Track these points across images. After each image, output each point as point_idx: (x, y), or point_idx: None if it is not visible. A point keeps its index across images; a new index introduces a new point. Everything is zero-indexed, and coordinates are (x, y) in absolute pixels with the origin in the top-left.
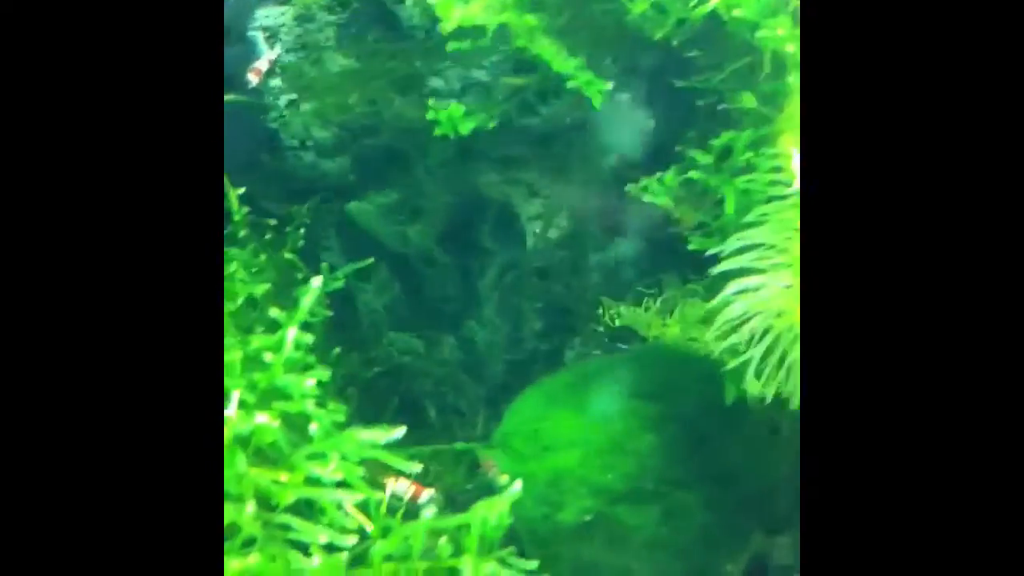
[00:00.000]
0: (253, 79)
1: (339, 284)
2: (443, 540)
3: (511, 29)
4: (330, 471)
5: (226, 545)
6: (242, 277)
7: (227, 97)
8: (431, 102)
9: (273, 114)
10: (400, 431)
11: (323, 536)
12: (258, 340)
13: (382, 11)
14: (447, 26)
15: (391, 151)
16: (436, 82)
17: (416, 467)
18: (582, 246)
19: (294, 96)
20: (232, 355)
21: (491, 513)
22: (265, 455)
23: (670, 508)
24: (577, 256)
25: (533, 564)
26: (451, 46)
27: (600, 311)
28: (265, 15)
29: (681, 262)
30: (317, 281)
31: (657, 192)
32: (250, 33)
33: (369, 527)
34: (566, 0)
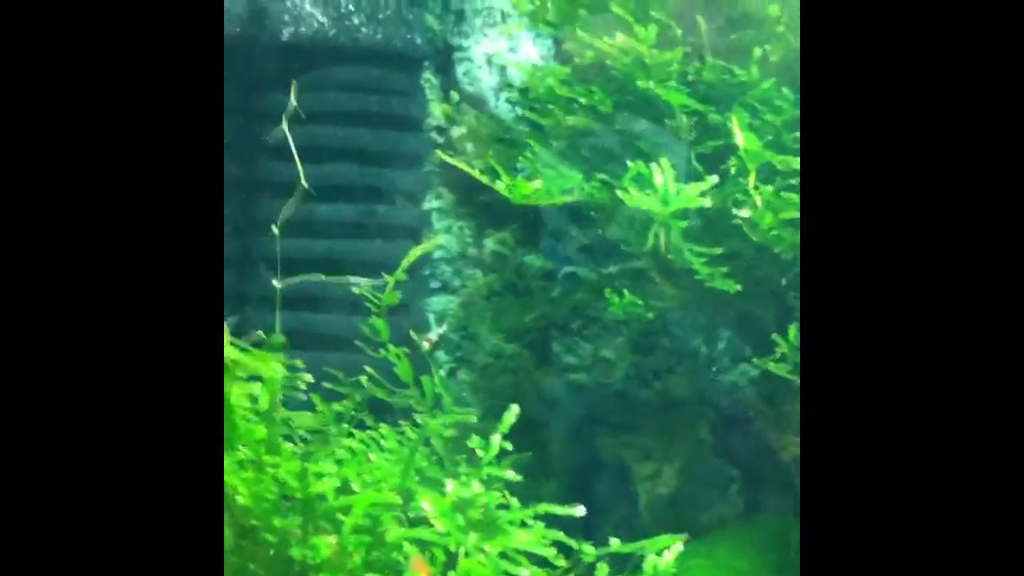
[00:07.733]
0: (425, 345)
1: None
2: None
3: None
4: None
5: None
6: None
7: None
8: None
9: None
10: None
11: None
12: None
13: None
14: None
15: (525, 418)
16: (569, 358)
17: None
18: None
19: (454, 365)
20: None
21: None
22: None
23: None
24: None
25: None
26: None
27: None
28: (436, 301)
29: None
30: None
31: None
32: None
33: None
34: None
